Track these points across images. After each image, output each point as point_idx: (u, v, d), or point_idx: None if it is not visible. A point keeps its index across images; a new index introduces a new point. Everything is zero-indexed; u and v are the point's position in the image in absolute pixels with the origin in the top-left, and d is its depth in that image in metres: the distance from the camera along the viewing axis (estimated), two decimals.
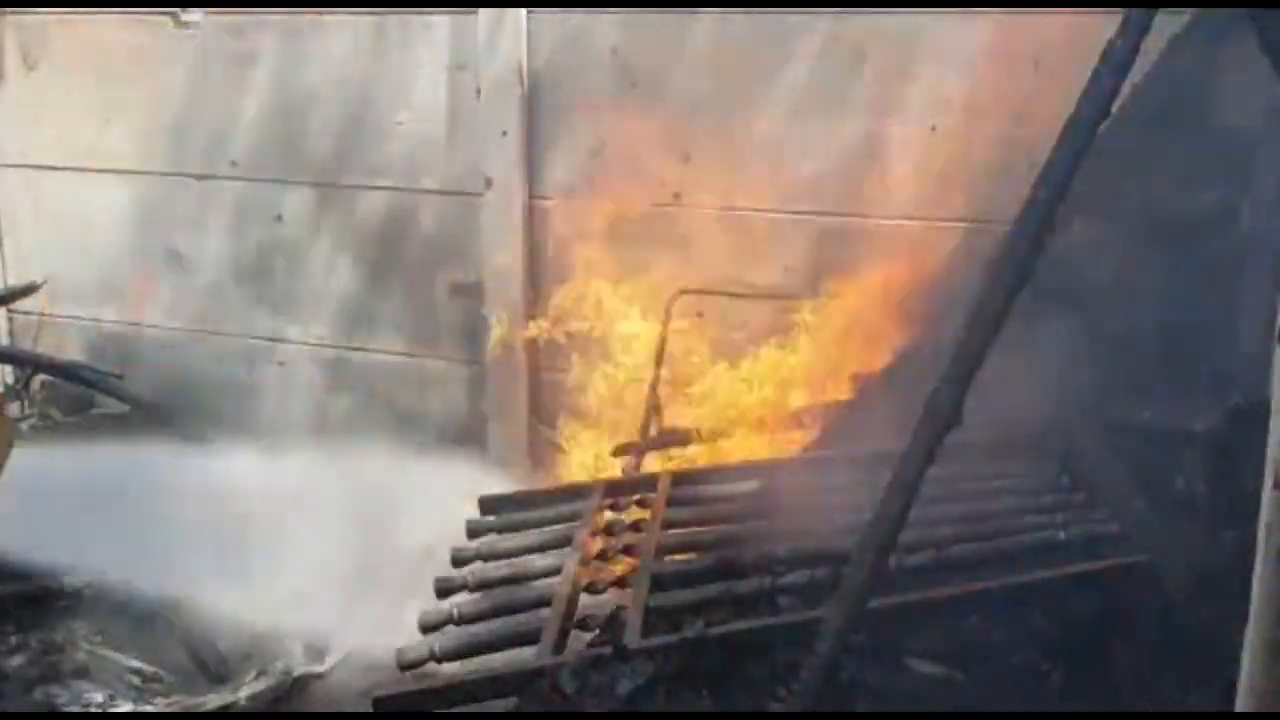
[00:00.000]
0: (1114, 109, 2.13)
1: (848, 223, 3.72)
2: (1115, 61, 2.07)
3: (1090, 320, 2.92)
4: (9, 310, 4.91)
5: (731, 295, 3.86)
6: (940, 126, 3.56)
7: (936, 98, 3.55)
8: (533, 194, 4.00)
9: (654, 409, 3.77)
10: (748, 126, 3.77)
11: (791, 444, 3.41)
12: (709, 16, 3.73)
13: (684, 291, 3.84)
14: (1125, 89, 3.10)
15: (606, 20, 3.86)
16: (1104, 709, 1.95)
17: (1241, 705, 1.53)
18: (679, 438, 3.65)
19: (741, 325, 3.88)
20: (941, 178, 3.58)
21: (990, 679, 2.02)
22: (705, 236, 3.87)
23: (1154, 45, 2.99)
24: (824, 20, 3.60)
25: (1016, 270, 1.98)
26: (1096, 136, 3.09)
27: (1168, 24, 2.94)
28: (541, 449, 4.02)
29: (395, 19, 4.12)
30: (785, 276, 3.82)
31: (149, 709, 2.99)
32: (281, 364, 4.49)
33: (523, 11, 3.91)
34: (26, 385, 4.79)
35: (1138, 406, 2.66)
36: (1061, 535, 2.23)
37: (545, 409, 4.08)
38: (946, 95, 3.53)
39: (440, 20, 4.07)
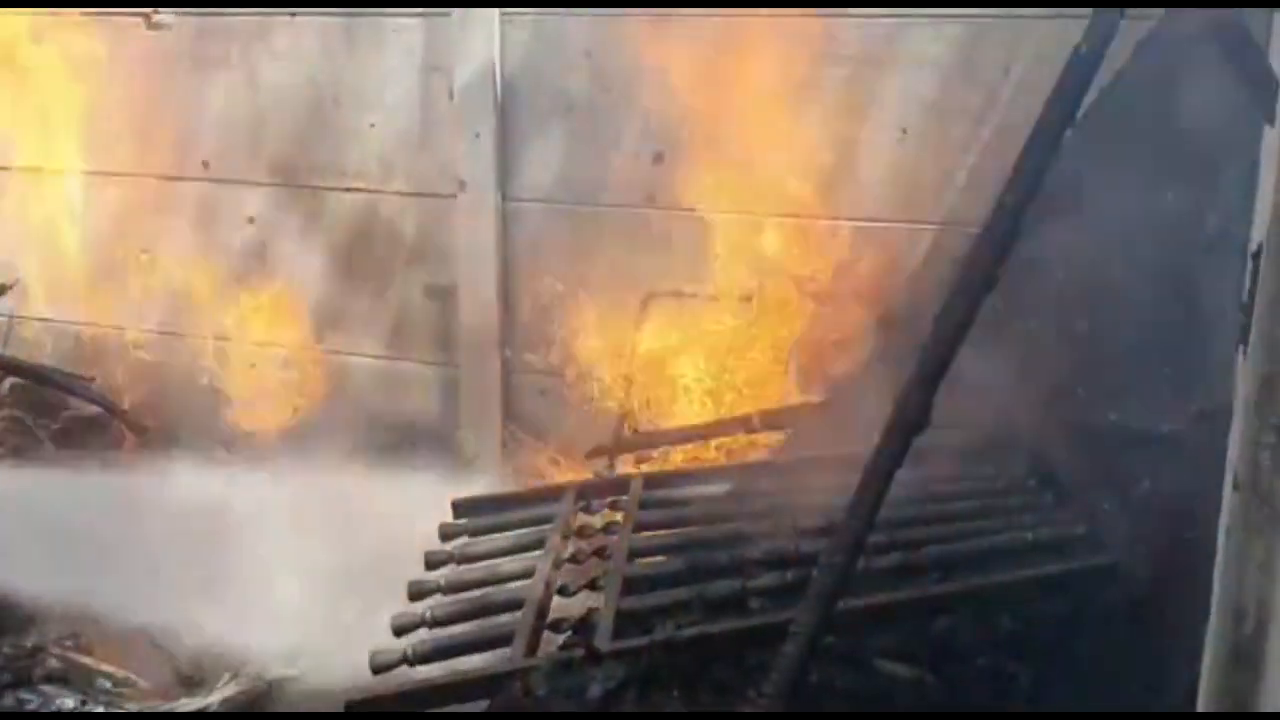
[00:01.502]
0: (1081, 113, 2.16)
1: (818, 225, 3.74)
2: (1081, 66, 2.09)
3: (1059, 323, 2.95)
4: None
5: (703, 298, 3.87)
6: (911, 129, 3.60)
7: (907, 101, 3.58)
8: (506, 196, 4.00)
9: (626, 412, 3.78)
10: (721, 128, 3.78)
11: (763, 447, 3.43)
12: (682, 18, 3.74)
13: (655, 294, 3.85)
14: (1092, 93, 3.14)
15: (580, 22, 3.86)
16: (1075, 710, 1.97)
17: (1203, 705, 1.56)
18: (650, 440, 3.66)
19: (711, 328, 3.89)
20: (912, 180, 3.61)
21: (958, 680, 2.03)
22: (678, 238, 3.88)
23: (1121, 50, 3.04)
24: (796, 21, 3.61)
25: (984, 273, 2.00)
26: (1065, 139, 3.12)
27: (1135, 28, 2.98)
28: (514, 451, 4.02)
29: (366, 20, 4.11)
30: (759, 279, 3.83)
31: (133, 710, 2.98)
32: (253, 365, 4.47)
33: (496, 13, 3.91)
34: None
35: (1106, 409, 2.68)
36: (1029, 536, 2.25)
37: (518, 412, 4.08)
38: (918, 98, 3.56)
39: (413, 22, 4.06)
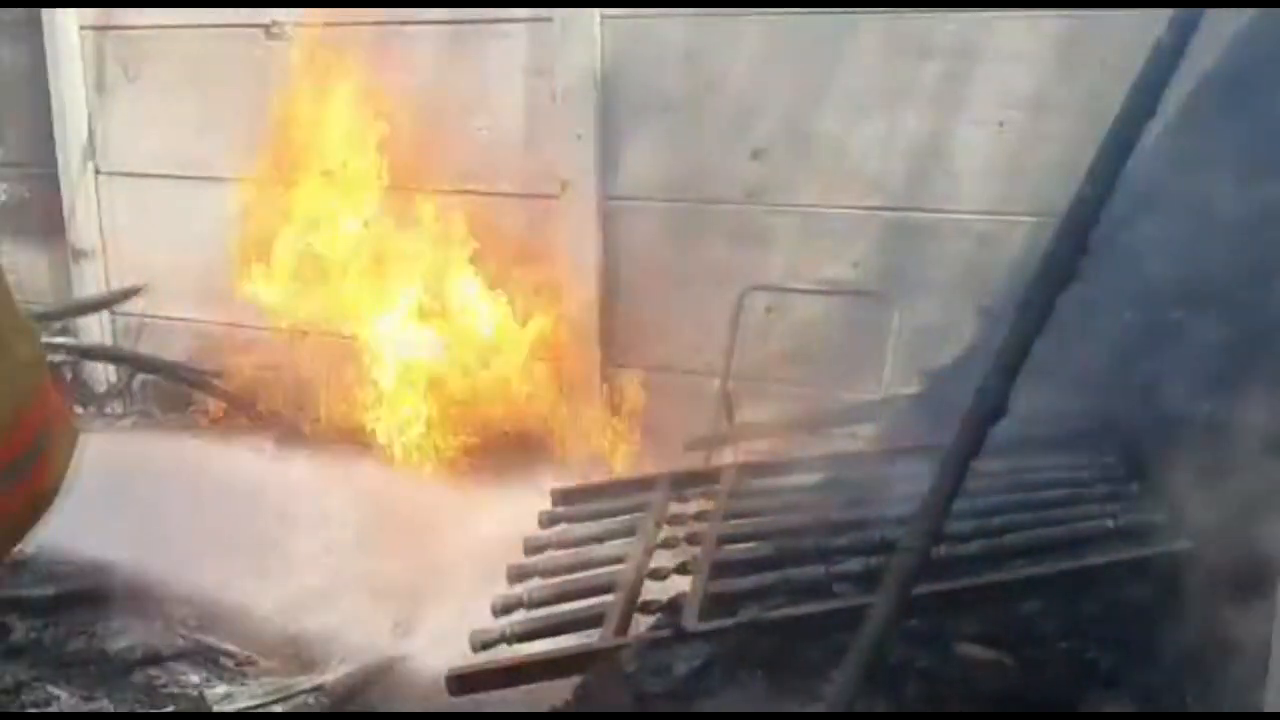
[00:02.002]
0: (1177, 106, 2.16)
1: (916, 218, 3.77)
2: (1162, 60, 2.10)
3: (1155, 314, 2.95)
4: (112, 313, 5.13)
5: (802, 291, 3.92)
6: (1008, 123, 3.61)
7: (1004, 94, 3.59)
8: (607, 195, 4.11)
9: (725, 404, 3.86)
10: (818, 123, 3.83)
11: (860, 439, 3.47)
12: (779, 16, 3.80)
13: (754, 288, 3.92)
14: (1190, 85, 3.13)
15: (678, 23, 3.95)
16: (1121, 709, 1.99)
17: (1271, 704, 1.57)
18: (748, 433, 3.73)
19: (812, 321, 3.95)
20: (1009, 173, 3.62)
21: (1038, 663, 2.07)
22: (776, 233, 3.94)
23: (1215, 43, 3.03)
24: (891, 17, 3.65)
25: (1062, 264, 2.03)
26: (1163, 134, 3.12)
27: (1230, 20, 2.96)
28: (616, 445, 4.12)
29: (474, 27, 4.25)
30: (855, 272, 3.87)
31: (236, 689, 3.15)
32: (369, 361, 4.64)
33: (596, 16, 4.01)
34: (129, 384, 5.02)
35: (1199, 400, 2.67)
36: (1110, 524, 2.27)
37: (620, 406, 4.17)
38: (1015, 92, 3.57)
39: (517, 28, 4.19)
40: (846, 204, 3.84)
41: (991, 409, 1.98)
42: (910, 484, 2.64)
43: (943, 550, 2.26)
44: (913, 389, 3.53)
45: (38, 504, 1.35)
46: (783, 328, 3.96)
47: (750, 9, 3.81)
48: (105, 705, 3.20)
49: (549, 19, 4.09)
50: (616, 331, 4.16)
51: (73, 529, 3.37)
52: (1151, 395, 2.75)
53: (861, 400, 3.69)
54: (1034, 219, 3.56)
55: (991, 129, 3.65)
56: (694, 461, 3.56)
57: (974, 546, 2.29)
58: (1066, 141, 3.47)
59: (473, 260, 4.32)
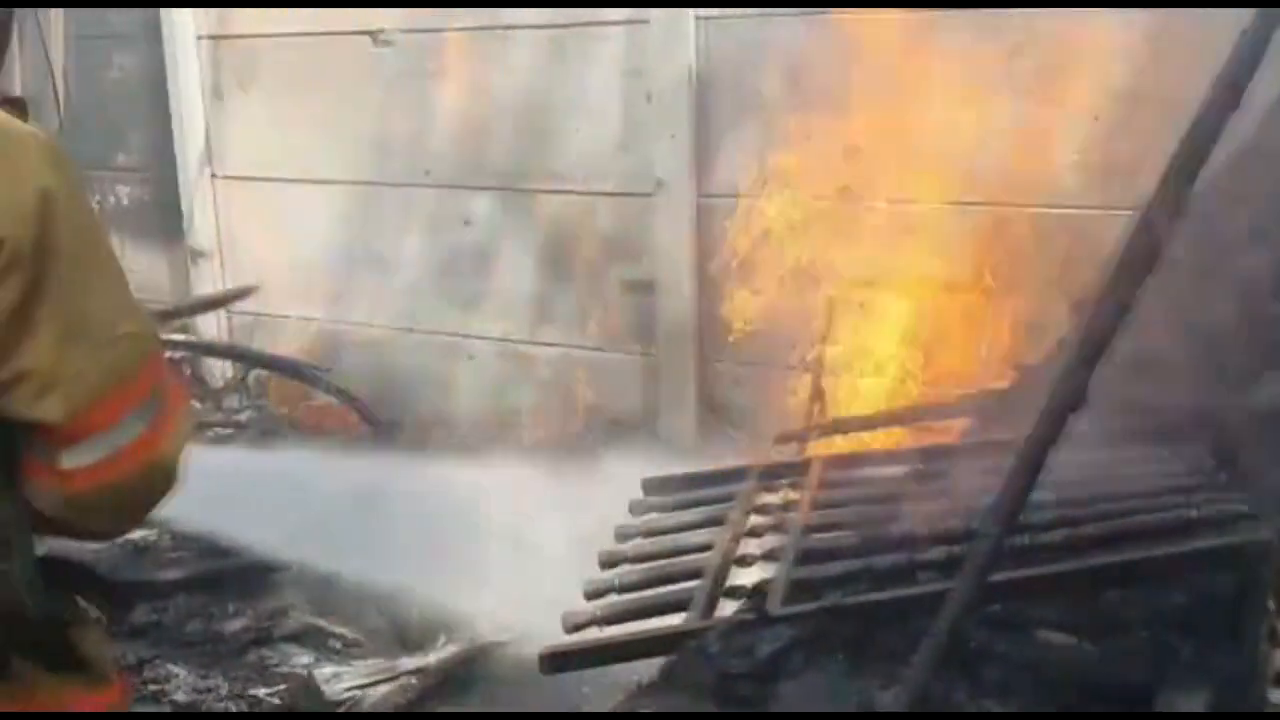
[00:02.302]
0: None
1: (1011, 212, 3.77)
2: (1248, 49, 2.11)
3: (1250, 306, 2.92)
4: (228, 311, 5.35)
5: (896, 286, 3.94)
6: (1103, 116, 3.59)
7: (1099, 88, 3.58)
8: (701, 193, 4.18)
9: (817, 398, 3.89)
10: (913, 120, 3.85)
11: (951, 432, 3.49)
12: (873, 13, 3.83)
13: (848, 284, 3.95)
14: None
15: (773, 22, 4.00)
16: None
17: None
18: (840, 426, 3.76)
19: (906, 316, 3.97)
20: (1105, 166, 3.61)
21: (1118, 650, 2.09)
22: (871, 228, 3.97)
23: None
24: (981, 14, 3.66)
25: (1145, 255, 2.05)
26: (1259, 129, 3.09)
27: None
28: (709, 437, 4.18)
29: (572, 31, 4.35)
30: (948, 267, 3.88)
31: (343, 669, 3.28)
32: (471, 357, 4.78)
33: (691, 17, 4.08)
34: (245, 379, 5.22)
35: None
36: (1194, 514, 2.27)
37: (713, 399, 4.24)
38: (1109, 85, 3.56)
39: (615, 30, 4.28)
40: (939, 199, 3.85)
41: (1070, 399, 2.01)
42: (997, 476, 2.67)
43: (1025, 539, 2.29)
44: (1005, 384, 3.53)
45: (143, 478, 1.45)
46: (875, 323, 3.98)
47: (845, 8, 3.84)
48: (220, 683, 3.36)
49: (645, 21, 4.18)
50: (710, 327, 4.23)
51: (192, 517, 3.57)
52: (1242, 387, 2.73)
53: (954, 394, 3.70)
54: (1129, 212, 3.52)
55: (1087, 122, 3.63)
56: (784, 455, 3.60)
57: (1056, 535, 2.31)
58: (1162, 133, 3.43)
59: (571, 258, 4.43)
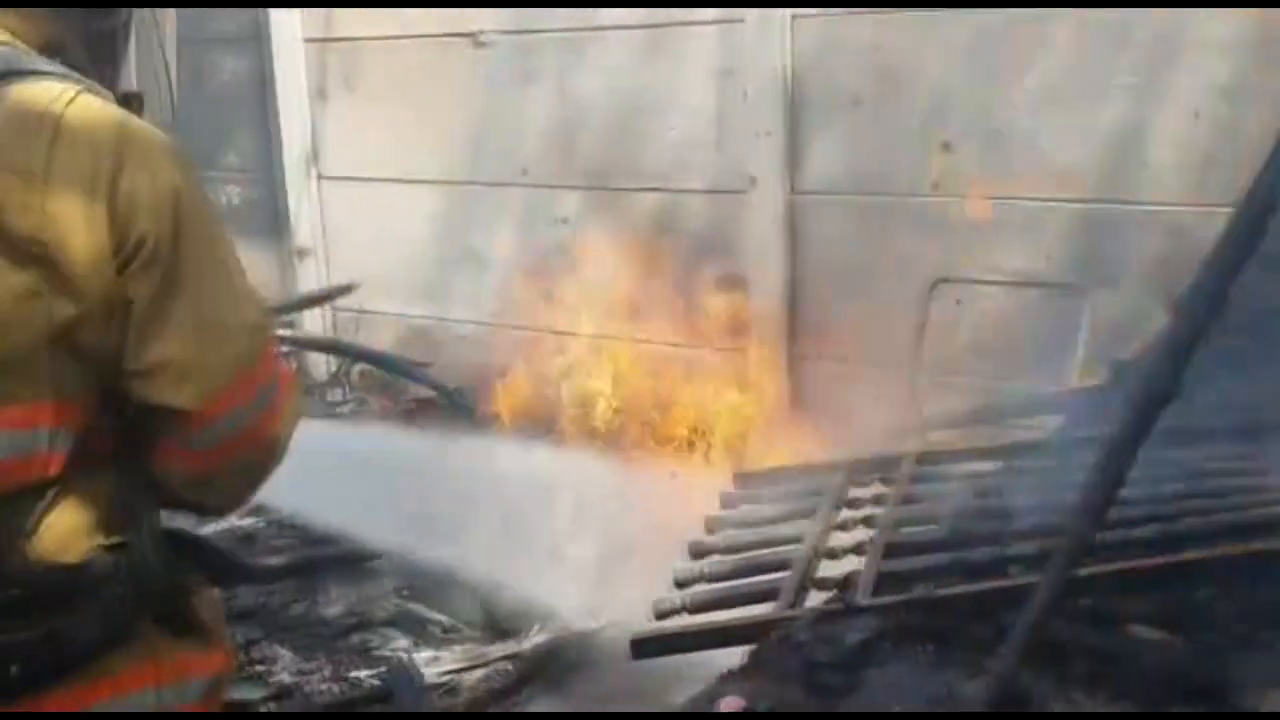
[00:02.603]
0: None
1: (1107, 209, 3.73)
2: None
3: None
4: (332, 307, 5.49)
5: (991, 284, 3.93)
6: (1204, 113, 3.55)
7: (1200, 85, 3.53)
8: (794, 190, 4.20)
9: (912, 396, 3.89)
10: (1008, 116, 3.83)
11: (1041, 428, 3.47)
12: (970, 11, 3.82)
13: (942, 280, 3.94)
14: None
15: (867, 20, 4.00)
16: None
17: None
18: (934, 423, 3.76)
19: (1002, 314, 3.95)
20: (1205, 164, 3.56)
21: (1210, 646, 2.07)
22: (964, 225, 3.96)
23: None
24: (1080, 9, 3.63)
25: (1238, 249, 2.04)
26: None
27: None
28: (801, 435, 4.20)
29: (667, 30, 4.40)
30: (1046, 264, 3.86)
31: (440, 653, 3.37)
32: (562, 353, 4.85)
33: (787, 16, 4.10)
34: (347, 374, 5.36)
35: None
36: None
37: (805, 397, 4.26)
38: (1211, 82, 3.51)
39: (709, 29, 4.32)
40: (1037, 195, 3.83)
41: (1160, 393, 2.00)
42: (1089, 471, 2.66)
43: (1117, 534, 2.29)
44: (1100, 381, 3.51)
45: (261, 452, 1.55)
46: (971, 320, 3.97)
47: (939, 7, 3.84)
48: (322, 664, 3.47)
49: (740, 20, 4.20)
50: (802, 323, 4.25)
51: (294, 504, 3.69)
52: None
53: (1049, 392, 3.67)
54: (1229, 210, 3.47)
55: (1187, 119, 3.59)
56: (875, 451, 3.61)
57: (1148, 530, 2.30)
58: (1264, 131, 3.38)
59: (663, 255, 4.48)
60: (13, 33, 1.48)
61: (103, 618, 1.44)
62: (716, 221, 4.40)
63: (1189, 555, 2.16)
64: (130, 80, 1.66)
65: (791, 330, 4.25)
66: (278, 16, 5.29)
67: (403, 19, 4.97)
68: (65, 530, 1.43)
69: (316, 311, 5.49)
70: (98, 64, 1.58)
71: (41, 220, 1.35)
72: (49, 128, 1.38)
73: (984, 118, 3.86)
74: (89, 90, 1.45)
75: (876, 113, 4.03)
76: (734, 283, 4.36)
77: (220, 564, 1.61)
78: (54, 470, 1.41)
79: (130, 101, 1.52)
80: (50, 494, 1.41)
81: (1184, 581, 2.21)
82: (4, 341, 1.36)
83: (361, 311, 5.41)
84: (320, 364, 5.51)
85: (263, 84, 5.40)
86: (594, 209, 4.70)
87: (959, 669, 2.10)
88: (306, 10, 5.27)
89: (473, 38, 4.87)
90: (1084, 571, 2.04)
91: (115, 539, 1.47)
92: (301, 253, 5.50)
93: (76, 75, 1.47)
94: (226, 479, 1.54)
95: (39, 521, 1.40)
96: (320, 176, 5.44)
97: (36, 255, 1.36)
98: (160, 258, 1.41)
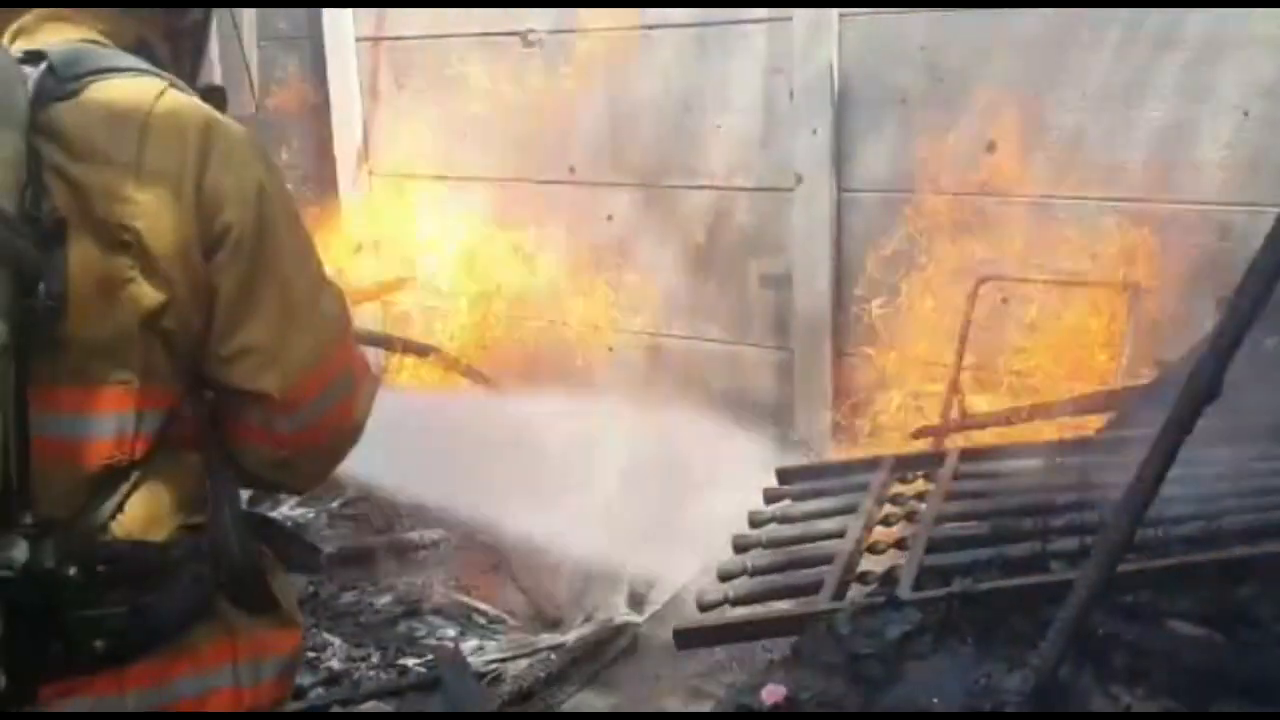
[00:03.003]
0: None
1: (1155, 208, 3.73)
2: None
3: None
4: (384, 301, 5.57)
5: (1037, 282, 3.93)
6: (1253, 112, 3.54)
7: (1249, 83, 3.52)
8: (841, 188, 4.22)
9: (955, 393, 3.91)
10: (1055, 115, 3.84)
11: (1086, 427, 3.47)
12: (1018, 11, 3.83)
13: (988, 278, 3.95)
14: None
15: (915, 19, 4.02)
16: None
17: None
18: (977, 422, 3.77)
19: (1048, 312, 3.95)
20: (1254, 163, 3.55)
21: (1251, 643, 2.08)
22: (1011, 224, 3.97)
23: None
24: (1128, 10, 3.63)
25: None
26: None
27: None
28: (844, 432, 4.23)
29: (715, 30, 4.43)
30: (1093, 263, 3.86)
31: (486, 643, 3.43)
32: (610, 349, 4.90)
33: (835, 15, 4.12)
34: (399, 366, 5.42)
35: None
36: None
37: (849, 393, 4.28)
38: (1260, 81, 3.50)
39: (758, 28, 4.35)
40: (1085, 194, 3.83)
41: (1204, 390, 2.01)
42: (1132, 469, 2.67)
43: (1159, 531, 2.30)
44: (1146, 380, 3.51)
45: (341, 437, 1.61)
46: (1018, 318, 3.98)
47: (987, 7, 3.85)
48: (371, 651, 3.54)
49: (788, 18, 4.23)
50: (847, 320, 4.27)
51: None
52: None
53: (1093, 390, 3.68)
54: (1277, 209, 3.46)
55: (1236, 117, 3.58)
56: (919, 447, 3.63)
57: (1191, 528, 2.31)
58: None
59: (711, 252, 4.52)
60: (103, 33, 1.55)
61: (184, 595, 1.50)
62: (763, 218, 4.43)
63: (1230, 553, 2.16)
64: (213, 75, 1.72)
65: (837, 326, 4.27)
66: (331, 15, 5.36)
67: (455, 18, 5.02)
68: (150, 510, 1.48)
69: (369, 306, 5.56)
70: (179, 60, 1.65)
71: (132, 209, 1.42)
72: (139, 121, 1.44)
73: (1031, 117, 3.86)
74: (175, 86, 1.51)
75: (923, 111, 4.04)
76: (779, 280, 4.38)
77: (295, 547, 1.67)
78: (140, 451, 1.47)
79: (212, 95, 1.58)
80: (136, 475, 1.47)
81: (1226, 579, 2.22)
82: (98, 325, 1.42)
83: (413, 306, 5.48)
84: (372, 359, 5.57)
85: (319, 82, 5.48)
86: (642, 206, 4.74)
87: (999, 662, 2.12)
88: (359, 9, 5.35)
89: (523, 36, 4.92)
90: (1125, 567, 2.05)
91: (197, 519, 1.53)
92: (355, 248, 5.57)
93: (163, 73, 1.53)
94: (307, 461, 1.61)
95: (125, 501, 1.46)
96: (374, 173, 5.51)
97: (127, 242, 1.42)
98: (245, 248, 1.47)
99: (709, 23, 4.45)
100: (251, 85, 1.81)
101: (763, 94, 4.38)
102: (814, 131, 4.21)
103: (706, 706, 2.89)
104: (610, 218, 4.83)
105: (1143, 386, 3.40)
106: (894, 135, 4.11)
